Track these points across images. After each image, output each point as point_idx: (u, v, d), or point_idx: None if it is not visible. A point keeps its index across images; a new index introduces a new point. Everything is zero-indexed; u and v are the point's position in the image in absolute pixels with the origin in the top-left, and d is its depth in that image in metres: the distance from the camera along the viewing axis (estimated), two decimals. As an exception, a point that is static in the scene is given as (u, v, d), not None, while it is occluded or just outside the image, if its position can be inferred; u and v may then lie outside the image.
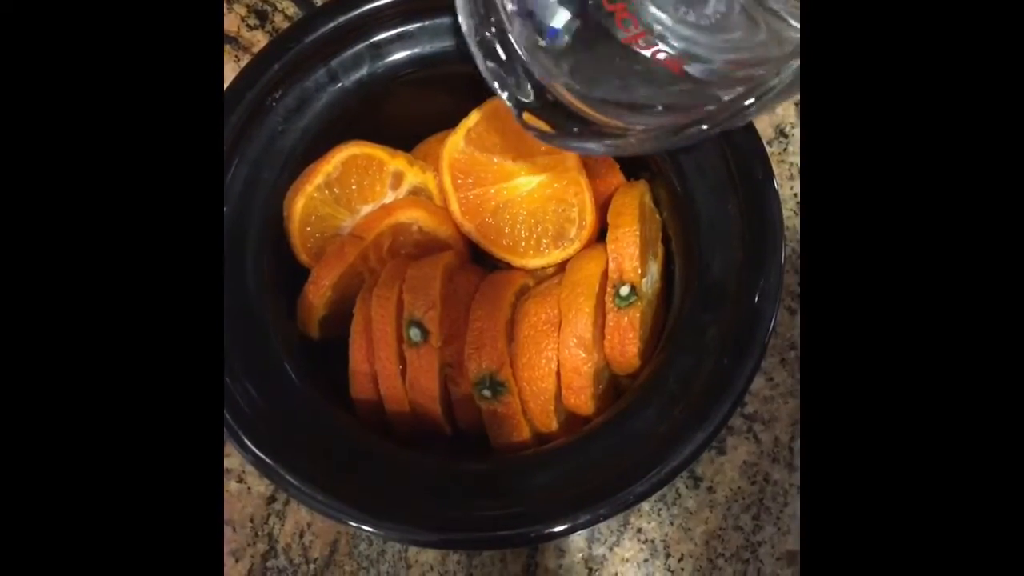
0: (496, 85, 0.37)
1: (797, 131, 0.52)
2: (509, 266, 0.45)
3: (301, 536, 0.47)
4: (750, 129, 0.39)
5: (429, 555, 0.47)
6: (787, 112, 0.53)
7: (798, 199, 0.51)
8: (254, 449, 0.37)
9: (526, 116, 0.37)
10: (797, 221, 0.50)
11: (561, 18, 0.36)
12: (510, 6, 0.36)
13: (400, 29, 0.42)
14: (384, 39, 0.42)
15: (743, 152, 0.39)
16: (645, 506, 0.47)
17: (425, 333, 0.39)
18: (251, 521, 0.48)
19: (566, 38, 0.36)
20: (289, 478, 0.36)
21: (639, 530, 0.47)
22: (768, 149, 0.43)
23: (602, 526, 0.47)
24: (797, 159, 0.52)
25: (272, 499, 0.48)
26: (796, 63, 0.27)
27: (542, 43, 0.36)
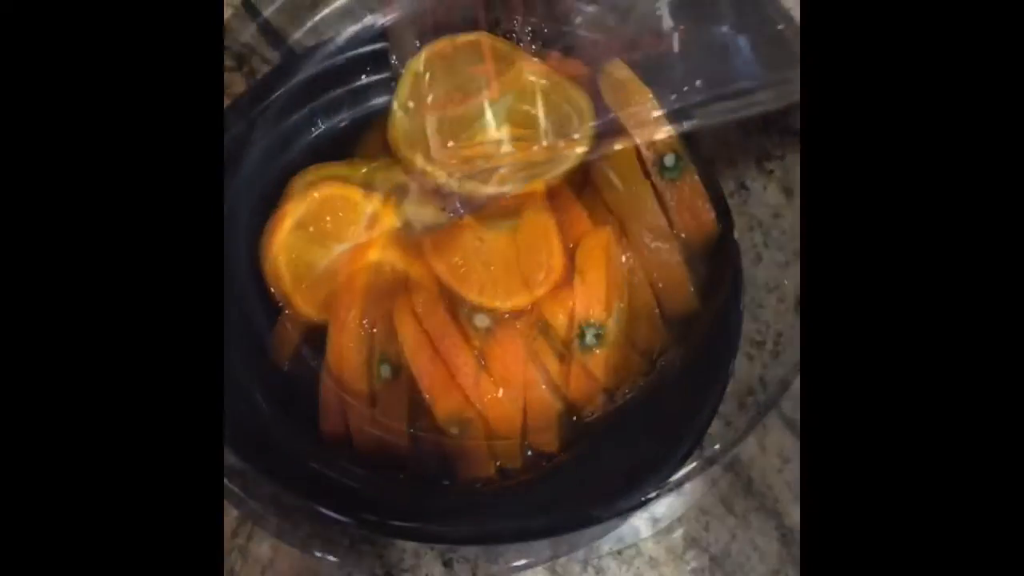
0: None
1: (757, 184, 0.54)
2: (479, 307, 0.46)
3: (263, 573, 0.47)
4: (713, 181, 0.41)
5: (391, 592, 0.47)
6: (747, 168, 0.55)
7: (757, 249, 0.53)
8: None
9: None
10: (755, 272, 0.52)
11: None
12: None
13: (378, 76, 0.44)
14: (363, 85, 0.43)
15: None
16: (604, 546, 0.48)
17: (395, 370, 0.40)
18: (212, 556, 0.47)
19: None
20: (254, 506, 0.37)
21: (599, 571, 0.47)
22: (729, 201, 0.45)
23: (563, 564, 0.47)
24: (757, 211, 0.54)
25: (235, 534, 0.48)
26: None
27: None
